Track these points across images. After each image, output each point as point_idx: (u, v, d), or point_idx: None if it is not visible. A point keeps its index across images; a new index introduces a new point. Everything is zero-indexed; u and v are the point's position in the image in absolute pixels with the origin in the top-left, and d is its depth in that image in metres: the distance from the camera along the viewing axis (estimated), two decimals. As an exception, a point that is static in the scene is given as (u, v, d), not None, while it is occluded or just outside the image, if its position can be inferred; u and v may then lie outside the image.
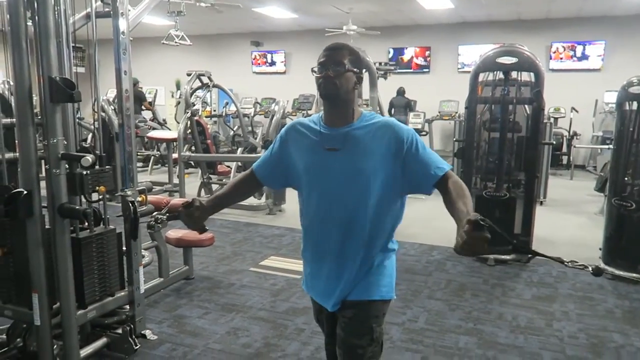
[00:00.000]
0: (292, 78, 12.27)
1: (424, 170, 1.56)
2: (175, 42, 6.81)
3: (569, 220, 5.97)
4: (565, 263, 1.51)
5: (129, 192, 2.66)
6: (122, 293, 2.80)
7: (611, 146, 8.44)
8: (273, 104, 6.06)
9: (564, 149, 9.85)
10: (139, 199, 2.80)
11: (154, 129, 8.65)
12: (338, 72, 1.55)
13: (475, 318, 3.27)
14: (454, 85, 10.54)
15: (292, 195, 6.86)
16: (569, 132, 9.85)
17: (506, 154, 4.45)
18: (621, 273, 3.98)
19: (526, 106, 4.51)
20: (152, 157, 8.79)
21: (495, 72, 4.50)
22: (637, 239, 4.01)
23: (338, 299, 1.65)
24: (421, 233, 5.18)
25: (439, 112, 10.61)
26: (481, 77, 4.60)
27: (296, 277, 3.99)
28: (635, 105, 3.99)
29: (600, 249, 4.34)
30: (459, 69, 11.18)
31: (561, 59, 10.40)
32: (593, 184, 7.46)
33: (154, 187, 6.48)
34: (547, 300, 3.59)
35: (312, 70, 1.60)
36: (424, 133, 8.42)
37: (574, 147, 9.21)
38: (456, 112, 10.36)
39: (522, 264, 4.32)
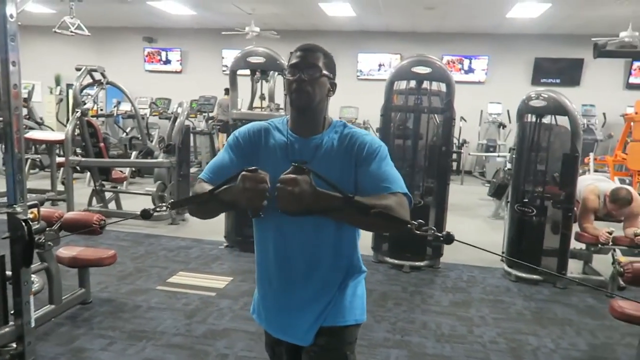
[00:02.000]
0: (190, 78, 11.68)
1: (372, 183, 1.36)
2: (71, 32, 6.05)
3: (467, 223, 6.30)
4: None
5: (18, 209, 2.20)
6: (7, 329, 2.32)
7: (498, 154, 9.11)
8: (176, 106, 5.63)
9: (454, 156, 10.50)
10: (30, 215, 2.34)
11: (30, 128, 7.65)
12: (313, 76, 1.38)
13: (402, 329, 3.24)
14: (353, 92, 10.76)
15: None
16: (458, 140, 10.51)
17: (419, 162, 4.54)
18: (523, 275, 4.23)
19: (435, 115, 4.62)
20: (29, 161, 7.75)
21: (408, 81, 4.56)
22: (536, 243, 4.30)
23: (312, 333, 1.46)
24: None
25: (340, 118, 10.71)
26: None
27: (211, 294, 3.68)
28: (534, 117, 4.27)
29: (502, 252, 4.60)
30: (357, 76, 11.44)
31: (451, 71, 11.07)
32: (482, 189, 8.02)
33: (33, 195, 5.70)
34: (464, 306, 3.68)
35: (283, 73, 1.42)
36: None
37: (469, 154, 9.83)
38: (356, 119, 10.59)
39: (435, 269, 4.43)
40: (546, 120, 4.26)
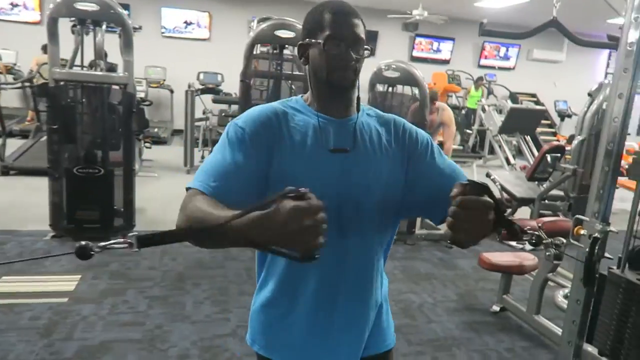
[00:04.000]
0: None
1: (449, 179, 1.13)
2: None
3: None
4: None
5: None
6: None
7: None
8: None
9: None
10: None
11: None
12: (362, 56, 1.10)
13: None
14: (158, 50, 9.87)
15: None
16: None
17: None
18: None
19: (292, 83, 4.50)
20: None
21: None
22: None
23: None
24: (166, 217, 4.49)
25: (146, 79, 9.71)
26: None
27: (62, 300, 2.96)
28: (385, 87, 4.50)
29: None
30: (162, 33, 10.46)
31: (261, 34, 10.97)
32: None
33: None
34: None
35: (313, 43, 1.09)
36: (147, 103, 7.53)
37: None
38: (164, 80, 9.80)
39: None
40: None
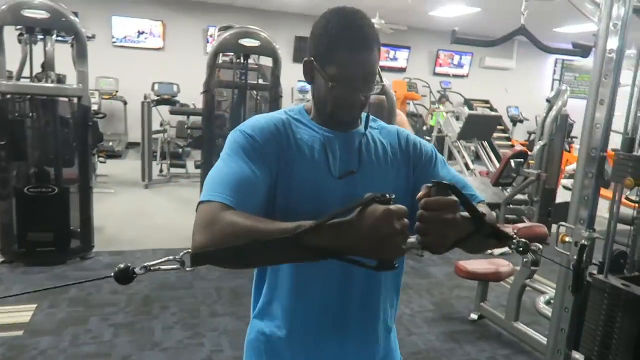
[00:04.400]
0: None
1: None
2: None
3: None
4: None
5: None
6: None
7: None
8: None
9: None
10: None
11: None
12: (371, 93, 1.03)
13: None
14: (109, 60, 9.50)
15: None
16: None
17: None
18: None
19: (255, 92, 4.38)
20: None
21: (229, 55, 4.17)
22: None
23: None
24: (125, 236, 4.34)
25: (99, 91, 9.32)
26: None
27: (17, 334, 2.72)
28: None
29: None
30: (113, 42, 10.09)
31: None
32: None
33: None
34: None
35: (320, 73, 1.00)
36: (101, 115, 7.17)
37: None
38: (117, 91, 9.43)
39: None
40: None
